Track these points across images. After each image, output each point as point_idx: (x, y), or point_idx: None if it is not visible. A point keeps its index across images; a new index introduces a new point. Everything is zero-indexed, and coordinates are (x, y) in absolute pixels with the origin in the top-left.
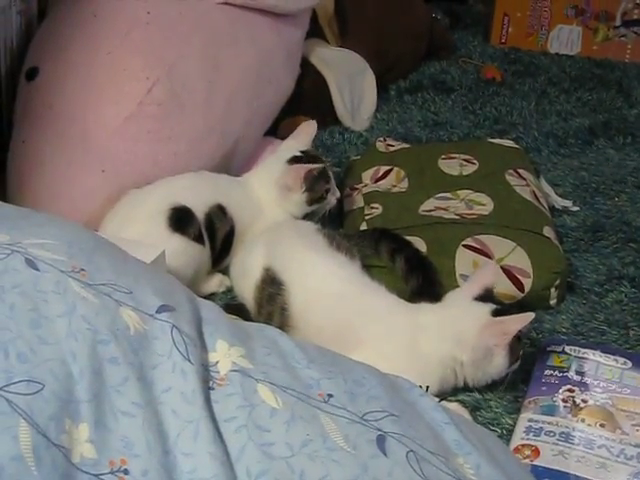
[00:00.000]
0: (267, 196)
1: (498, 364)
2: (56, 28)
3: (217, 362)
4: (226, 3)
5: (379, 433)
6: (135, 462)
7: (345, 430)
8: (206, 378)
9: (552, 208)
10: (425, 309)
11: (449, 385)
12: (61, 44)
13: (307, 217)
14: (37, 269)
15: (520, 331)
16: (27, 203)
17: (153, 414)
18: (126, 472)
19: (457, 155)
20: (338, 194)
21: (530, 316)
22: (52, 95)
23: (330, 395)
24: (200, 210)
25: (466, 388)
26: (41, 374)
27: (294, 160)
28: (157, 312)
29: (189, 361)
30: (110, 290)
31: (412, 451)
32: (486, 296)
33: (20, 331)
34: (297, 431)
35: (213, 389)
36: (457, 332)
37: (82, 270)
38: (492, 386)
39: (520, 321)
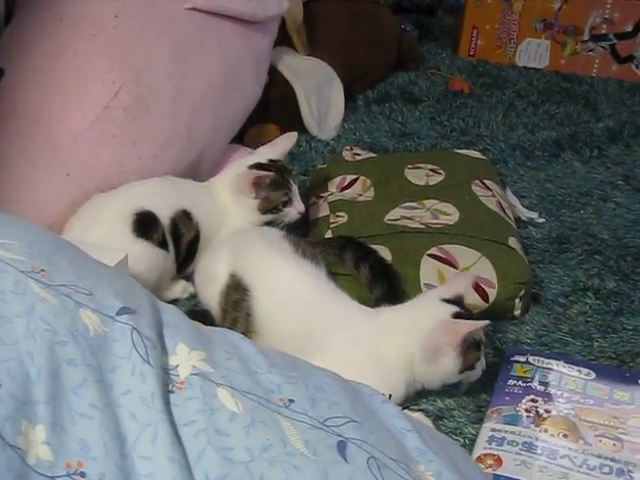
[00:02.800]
0: (228, 200)
1: (447, 366)
2: (22, 30)
3: (177, 365)
4: (194, 9)
5: (340, 439)
6: (92, 465)
7: (306, 435)
8: (166, 381)
9: (518, 219)
10: (387, 309)
11: (414, 388)
12: (27, 46)
13: (270, 225)
14: None
15: (476, 339)
16: None
17: (111, 417)
18: (83, 475)
19: (423, 165)
20: (302, 208)
21: (484, 323)
22: (17, 98)
23: (291, 400)
24: (165, 215)
25: (429, 397)
26: None
27: (256, 166)
28: (117, 314)
29: (149, 364)
30: (70, 291)
31: (373, 457)
32: (456, 302)
33: None
34: (257, 436)
35: (173, 392)
36: (414, 325)
37: (42, 271)
38: (455, 395)
39: (473, 325)
